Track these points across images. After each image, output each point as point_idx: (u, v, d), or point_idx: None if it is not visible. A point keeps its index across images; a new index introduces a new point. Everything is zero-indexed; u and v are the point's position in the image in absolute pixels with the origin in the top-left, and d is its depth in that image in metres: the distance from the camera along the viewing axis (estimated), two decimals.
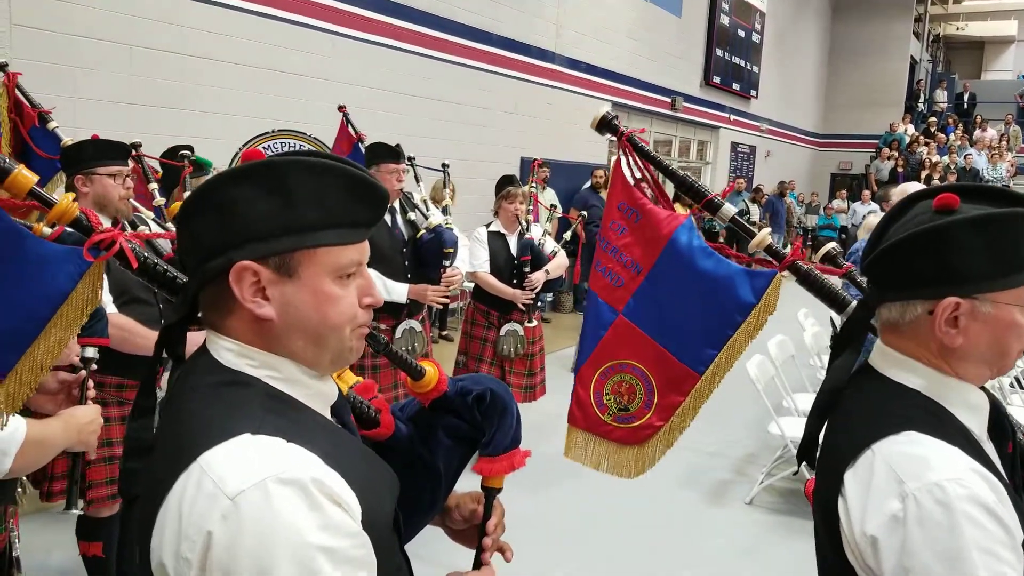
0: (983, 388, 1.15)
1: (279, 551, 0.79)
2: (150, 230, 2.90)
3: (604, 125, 1.80)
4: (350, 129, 4.86)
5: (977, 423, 1.12)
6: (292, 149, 6.44)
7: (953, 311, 1.07)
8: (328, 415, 1.03)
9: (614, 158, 1.88)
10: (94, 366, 1.85)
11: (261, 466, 0.82)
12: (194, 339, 0.97)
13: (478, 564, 1.22)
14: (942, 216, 1.07)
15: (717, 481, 4.58)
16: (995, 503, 0.98)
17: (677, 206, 1.82)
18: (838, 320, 1.71)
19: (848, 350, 1.21)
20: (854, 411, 1.15)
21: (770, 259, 1.67)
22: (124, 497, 1.08)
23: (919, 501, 0.98)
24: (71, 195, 1.26)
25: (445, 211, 4.07)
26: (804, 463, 1.26)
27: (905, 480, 1.00)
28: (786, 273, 1.66)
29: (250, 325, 0.94)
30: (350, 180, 0.94)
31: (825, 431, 1.20)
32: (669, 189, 2.15)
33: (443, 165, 4.68)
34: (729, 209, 1.74)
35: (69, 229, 1.25)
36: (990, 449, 1.12)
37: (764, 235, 1.66)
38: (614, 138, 1.84)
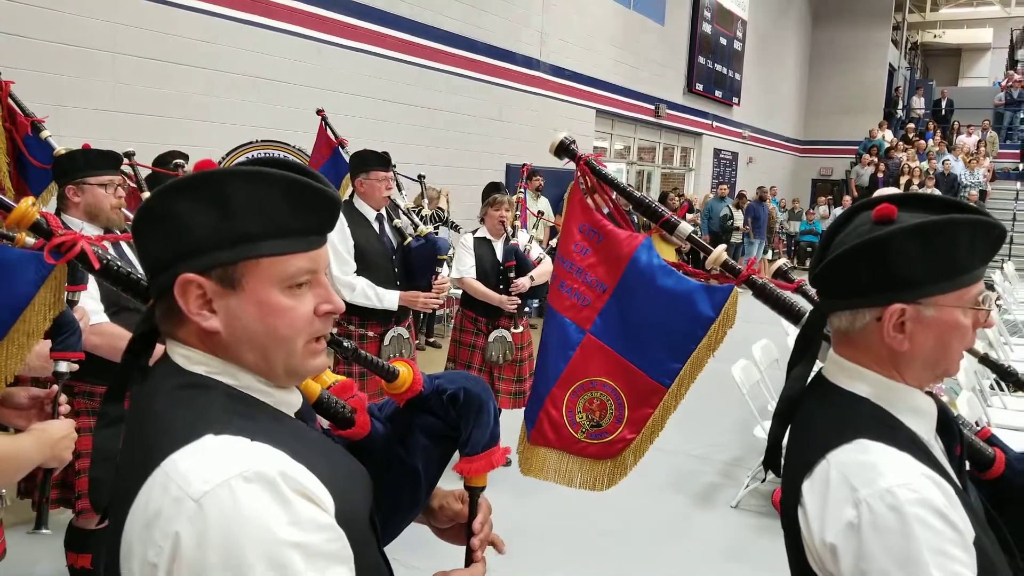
0: (930, 394, 1.19)
1: (249, 549, 0.78)
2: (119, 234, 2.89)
3: (562, 150, 1.84)
4: (329, 133, 4.85)
5: (924, 428, 1.15)
6: (266, 157, 6.43)
7: (899, 317, 1.11)
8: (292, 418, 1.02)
9: (571, 183, 1.93)
10: (83, 375, 1.82)
11: (225, 465, 0.81)
12: (159, 350, 0.97)
13: (469, 563, 1.22)
14: (882, 226, 1.11)
15: (704, 485, 4.62)
16: (944, 505, 1.01)
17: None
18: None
19: (803, 360, 1.25)
20: (809, 422, 1.19)
21: (727, 274, 1.73)
22: (95, 508, 1.07)
23: (872, 507, 1.01)
24: (30, 199, 1.25)
25: (424, 220, 4.09)
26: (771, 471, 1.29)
27: (858, 487, 1.03)
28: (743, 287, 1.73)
29: (199, 337, 0.93)
30: (290, 187, 0.91)
31: (787, 441, 1.24)
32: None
33: (419, 176, 4.69)
34: (685, 228, 1.80)
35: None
36: (939, 452, 1.16)
37: (720, 252, 1.73)
38: (573, 162, 1.88)
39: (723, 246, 1.78)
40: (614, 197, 1.91)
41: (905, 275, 1.10)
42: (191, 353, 0.93)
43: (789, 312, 1.64)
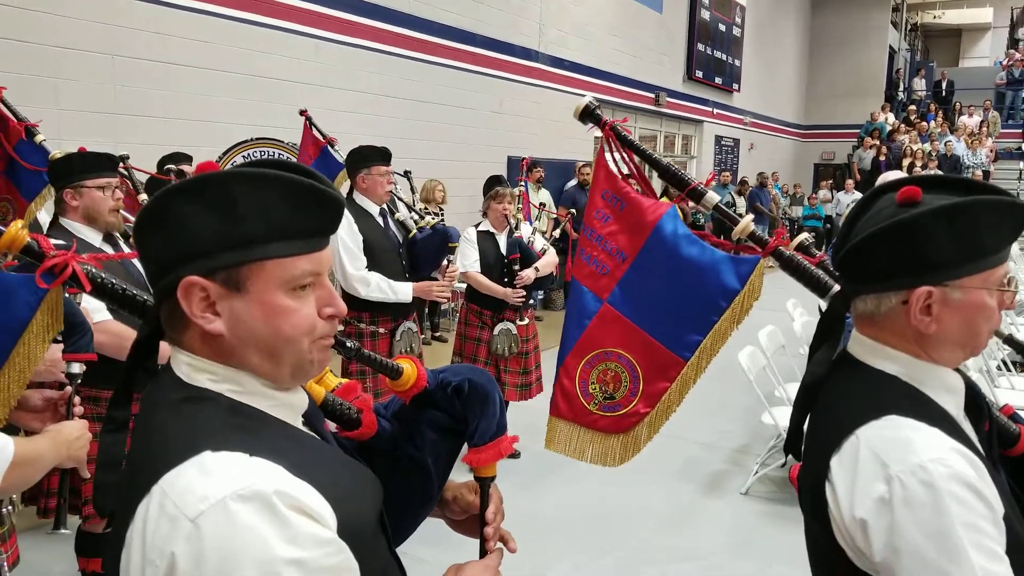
0: (958, 370, 1.19)
1: (246, 568, 0.78)
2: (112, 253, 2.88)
3: (587, 115, 1.81)
4: (315, 133, 4.84)
5: (954, 404, 1.15)
6: (267, 158, 6.43)
7: (926, 299, 1.10)
8: (299, 424, 1.02)
9: (598, 147, 1.89)
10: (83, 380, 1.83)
11: (221, 484, 0.81)
12: (165, 350, 0.96)
13: (483, 553, 1.23)
14: (907, 209, 1.11)
15: (713, 472, 4.62)
16: (976, 480, 1.01)
17: (664, 200, 1.85)
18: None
19: (827, 343, 1.25)
20: (836, 399, 1.19)
21: (754, 245, 1.70)
22: (99, 513, 1.07)
23: (904, 483, 1.01)
24: (19, 222, 1.24)
25: (422, 214, 4.10)
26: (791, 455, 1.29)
27: (889, 463, 1.03)
28: (771, 261, 1.68)
29: (203, 340, 0.93)
30: (293, 189, 0.91)
31: (809, 421, 1.23)
32: (658, 182, 2.17)
33: (405, 172, 4.69)
34: (713, 197, 1.77)
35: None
36: (968, 428, 1.16)
37: (748, 221, 1.69)
38: (597, 128, 1.84)
39: (750, 216, 1.73)
40: (638, 162, 1.87)
41: (931, 258, 1.09)
42: (195, 361, 0.93)
43: (817, 284, 1.61)
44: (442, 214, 7.56)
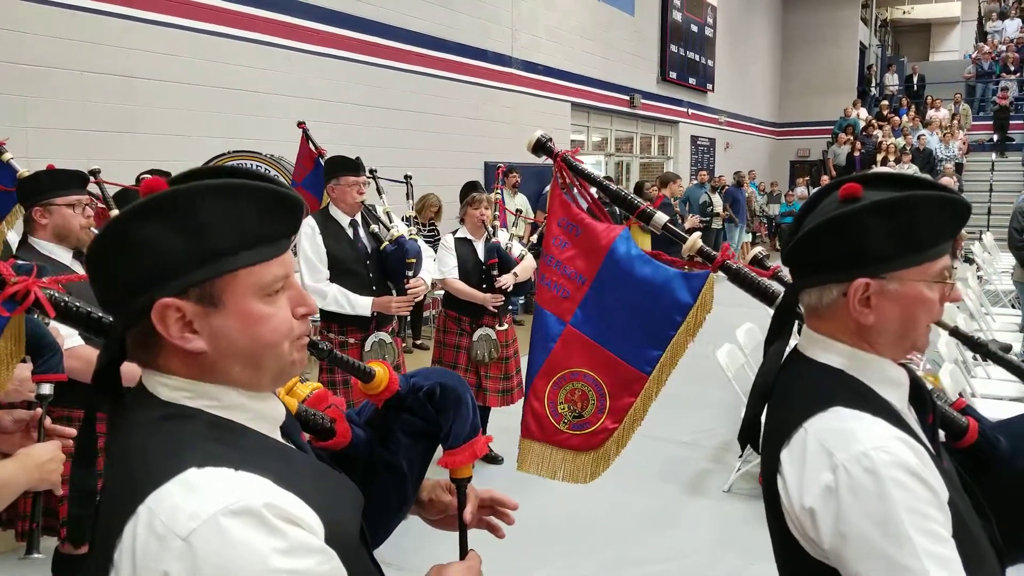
0: (904, 364, 1.22)
1: None
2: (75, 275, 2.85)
3: (539, 147, 1.89)
4: (311, 145, 4.83)
5: (897, 396, 1.19)
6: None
7: (864, 291, 1.14)
8: (278, 436, 1.01)
9: (550, 182, 1.98)
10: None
11: (210, 501, 0.80)
12: (129, 371, 0.94)
13: (464, 554, 1.23)
14: (847, 204, 1.15)
15: (695, 471, 4.64)
16: (919, 466, 1.04)
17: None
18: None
19: (780, 336, 1.29)
20: (786, 394, 1.23)
21: (703, 261, 1.78)
22: (75, 544, 1.06)
23: (848, 470, 1.04)
24: None
25: (408, 222, 4.08)
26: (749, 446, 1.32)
27: (834, 452, 1.06)
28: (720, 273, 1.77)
29: (183, 360, 0.91)
30: (257, 196, 0.91)
31: (765, 415, 1.27)
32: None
33: (406, 176, 4.69)
34: (661, 217, 1.85)
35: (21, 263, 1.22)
36: (912, 420, 1.19)
37: (695, 239, 1.78)
38: (551, 159, 1.92)
39: (698, 233, 1.83)
40: (592, 191, 1.95)
41: (869, 251, 1.13)
42: (169, 380, 0.92)
43: (764, 294, 1.69)
44: (429, 227, 7.54)
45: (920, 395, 1.24)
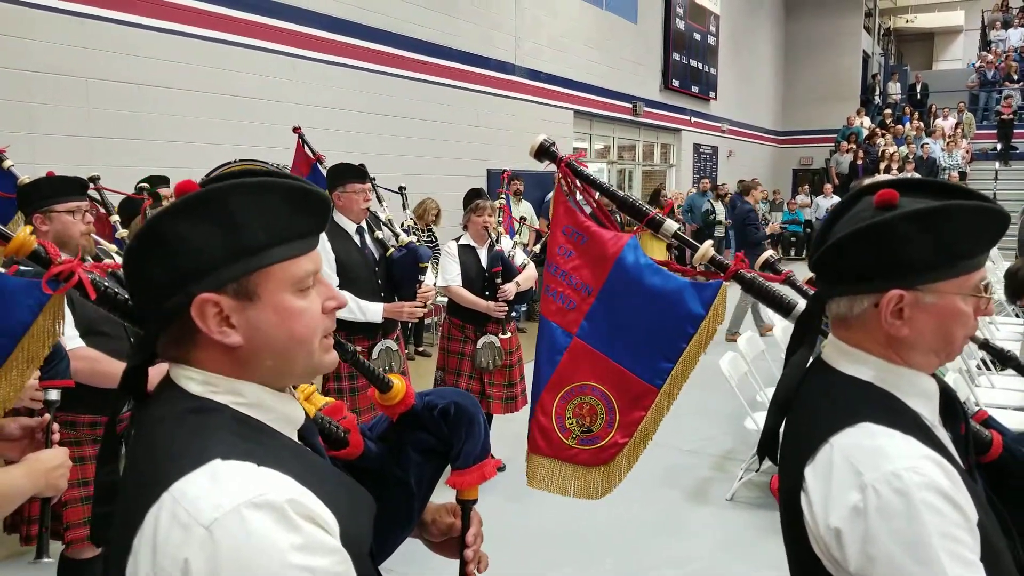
0: (933, 374, 1.18)
1: (261, 574, 0.78)
2: (114, 262, 2.87)
3: (542, 152, 1.82)
4: (307, 150, 4.84)
5: (928, 409, 1.14)
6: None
7: (897, 303, 1.09)
8: (296, 439, 1.02)
9: (554, 188, 1.91)
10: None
11: (234, 492, 0.81)
12: (154, 373, 0.96)
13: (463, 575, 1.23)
14: (883, 211, 1.09)
15: (698, 479, 4.63)
16: (950, 488, 1.00)
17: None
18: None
19: (803, 346, 1.24)
20: (810, 406, 1.17)
21: (715, 270, 1.72)
22: (96, 544, 1.07)
23: (878, 491, 1.00)
24: (29, 228, 1.25)
25: (408, 231, 4.08)
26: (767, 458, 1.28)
27: (863, 471, 1.02)
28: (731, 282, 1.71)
29: (219, 355, 0.93)
30: (291, 193, 0.94)
31: (785, 428, 1.22)
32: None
33: (400, 188, 4.68)
34: (671, 225, 1.78)
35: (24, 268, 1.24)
36: (942, 434, 1.15)
37: (706, 248, 1.71)
38: (554, 165, 1.86)
39: (710, 242, 1.76)
40: (597, 197, 1.89)
41: (905, 261, 1.08)
42: (197, 375, 0.93)
43: (779, 304, 1.64)
44: (427, 233, 7.56)
45: (951, 406, 1.19)
